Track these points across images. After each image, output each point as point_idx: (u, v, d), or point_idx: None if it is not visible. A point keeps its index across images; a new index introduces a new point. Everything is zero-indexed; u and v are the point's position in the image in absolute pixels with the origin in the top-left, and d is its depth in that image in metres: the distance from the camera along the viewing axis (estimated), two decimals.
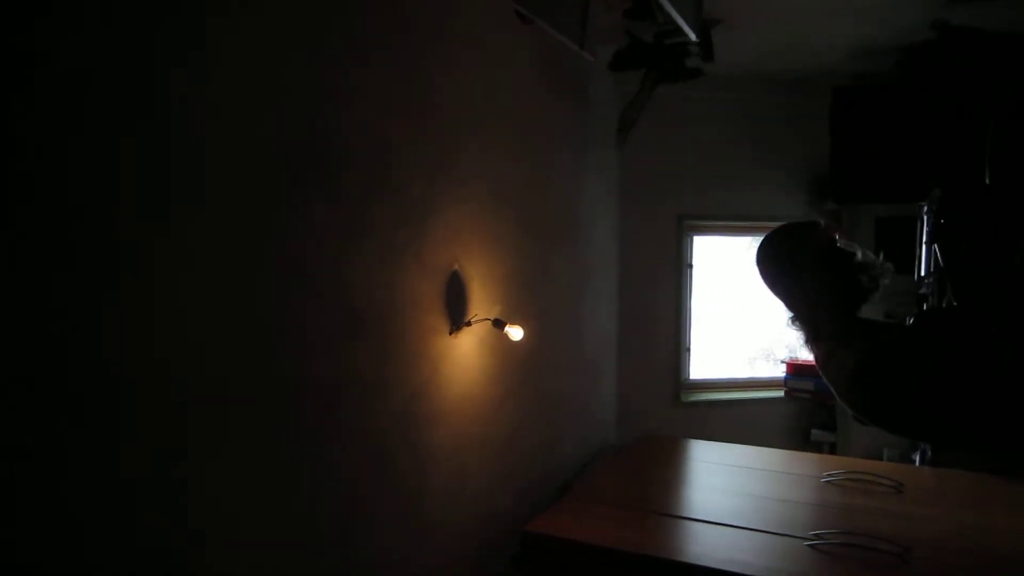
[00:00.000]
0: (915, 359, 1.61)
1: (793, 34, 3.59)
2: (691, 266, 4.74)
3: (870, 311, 1.88)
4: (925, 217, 3.45)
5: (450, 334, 2.25)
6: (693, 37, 3.08)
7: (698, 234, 4.78)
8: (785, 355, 4.78)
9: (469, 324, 2.31)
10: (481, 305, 2.46)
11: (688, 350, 4.75)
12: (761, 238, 1.93)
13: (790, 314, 1.87)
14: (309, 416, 1.68)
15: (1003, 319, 1.58)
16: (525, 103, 2.91)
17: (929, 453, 3.49)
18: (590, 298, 3.81)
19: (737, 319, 4.99)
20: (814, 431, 4.73)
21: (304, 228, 1.65)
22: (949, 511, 2.73)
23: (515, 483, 2.86)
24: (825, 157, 4.15)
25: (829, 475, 3.07)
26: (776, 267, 1.82)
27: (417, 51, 2.10)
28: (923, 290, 3.52)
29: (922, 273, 3.53)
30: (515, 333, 2.47)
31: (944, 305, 1.85)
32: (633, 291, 4.46)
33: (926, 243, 3.38)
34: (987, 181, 2.69)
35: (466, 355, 2.39)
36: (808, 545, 2.36)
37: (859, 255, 1.82)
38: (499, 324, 2.42)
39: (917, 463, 3.68)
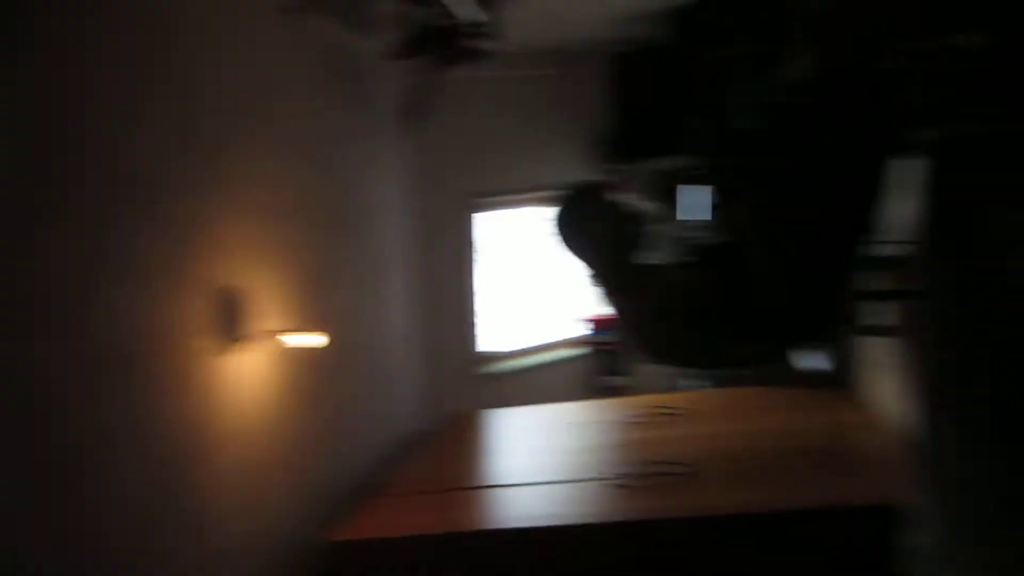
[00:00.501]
0: (687, 291, 1.71)
1: (562, 5, 3.70)
2: (483, 242, 4.82)
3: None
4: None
5: (230, 353, 2.09)
6: (474, 18, 3.09)
7: (493, 209, 4.86)
8: (585, 313, 4.99)
9: (251, 339, 2.17)
10: (264, 317, 2.31)
11: (489, 325, 4.82)
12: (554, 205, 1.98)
13: (588, 272, 1.93)
14: (74, 477, 1.49)
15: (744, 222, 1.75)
16: (302, 99, 2.76)
17: (712, 379, 3.80)
18: (387, 290, 3.74)
19: (535, 288, 5.14)
20: (616, 379, 4.99)
21: (26, 262, 1.43)
22: (725, 424, 2.99)
23: (324, 495, 2.74)
24: (609, 121, 4.36)
25: (631, 416, 3.24)
26: (568, 228, 1.87)
27: (170, 45, 1.91)
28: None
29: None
30: (307, 340, 2.36)
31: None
32: (430, 275, 4.44)
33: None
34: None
35: (253, 372, 2.23)
36: (616, 484, 2.47)
37: (640, 207, 1.92)
38: (287, 334, 2.29)
39: (701, 388, 4.00)
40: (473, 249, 4.71)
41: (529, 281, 5.12)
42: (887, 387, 2.86)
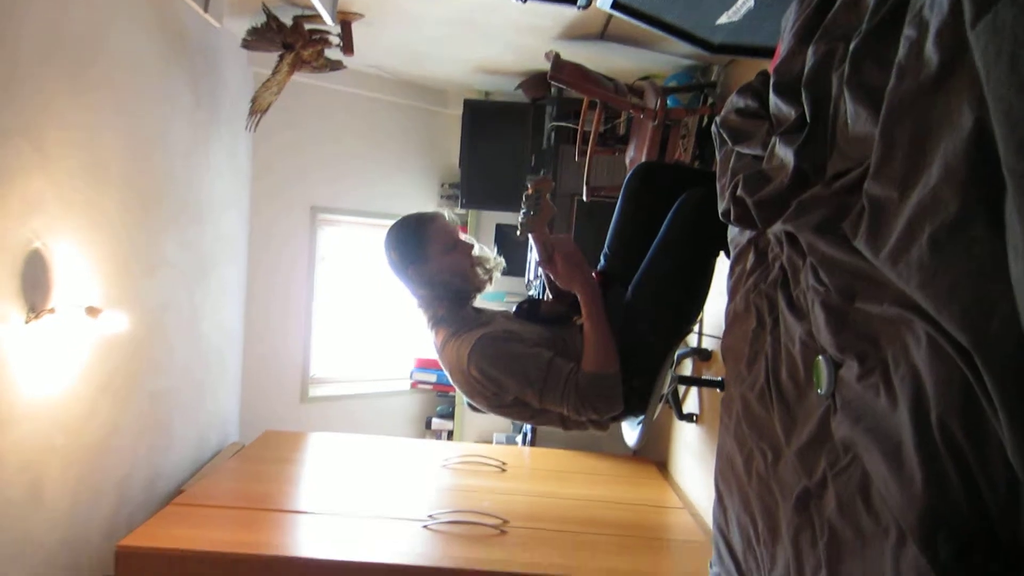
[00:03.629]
0: (518, 340, 1.77)
1: (428, 42, 3.75)
2: (323, 259, 4.70)
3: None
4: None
5: (26, 323, 1.91)
6: (332, 24, 3.05)
7: (331, 227, 4.75)
8: (412, 348, 4.97)
9: (53, 311, 1.98)
10: (73, 289, 2.14)
11: (315, 344, 4.69)
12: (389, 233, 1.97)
13: (415, 300, 1.94)
14: None
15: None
16: (135, 68, 2.58)
17: (529, 436, 3.91)
18: (213, 288, 3.56)
19: (367, 313, 5.06)
20: (435, 420, 5.00)
21: None
22: (542, 484, 3.08)
23: (110, 494, 2.54)
24: (456, 163, 4.41)
25: (445, 460, 3.26)
26: (399, 255, 1.88)
27: None
28: (531, 290, 3.95)
29: (530, 276, 3.96)
30: (115, 322, 2.19)
31: (543, 298, 2.06)
32: (262, 283, 4.27)
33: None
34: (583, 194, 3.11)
35: (47, 348, 2.05)
36: (423, 526, 2.47)
37: (476, 250, 1.96)
38: (94, 311, 2.11)
39: (520, 444, 4.10)
40: (313, 266, 4.58)
41: (365, 308, 5.05)
42: (693, 469, 3.06)
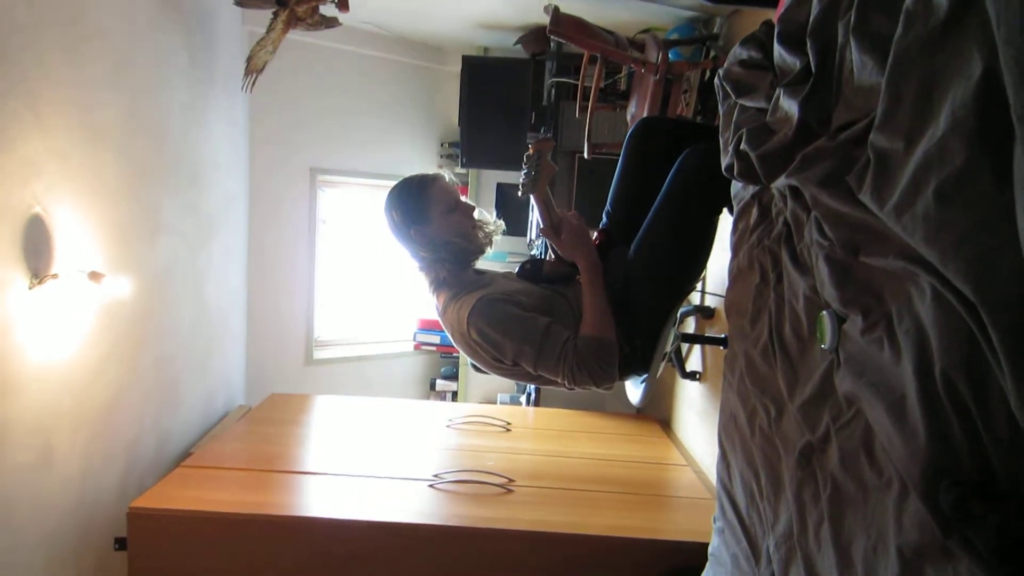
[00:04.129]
0: (516, 304, 1.77)
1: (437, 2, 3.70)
2: (324, 221, 4.68)
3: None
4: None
5: (30, 288, 1.90)
6: None
7: (331, 188, 4.72)
8: (415, 309, 4.98)
9: (56, 276, 1.98)
10: (75, 254, 2.14)
11: (319, 307, 4.70)
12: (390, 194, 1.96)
13: (416, 262, 1.94)
14: None
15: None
16: (127, 28, 2.53)
17: (533, 396, 3.93)
18: (215, 252, 3.55)
19: (369, 275, 5.06)
20: (439, 381, 5.03)
21: None
22: (546, 443, 3.10)
23: (120, 457, 2.57)
24: (455, 122, 4.37)
25: (450, 420, 3.28)
26: (401, 217, 1.86)
27: None
28: (533, 250, 3.93)
29: (532, 236, 3.94)
30: (118, 287, 2.18)
31: (545, 258, 2.05)
32: (263, 246, 4.27)
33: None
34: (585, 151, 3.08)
35: (53, 313, 2.05)
36: (429, 485, 2.50)
37: (477, 213, 1.95)
38: (97, 276, 2.11)
39: (524, 404, 4.13)
40: (315, 228, 4.57)
41: (368, 270, 5.05)
42: (697, 427, 3.09)
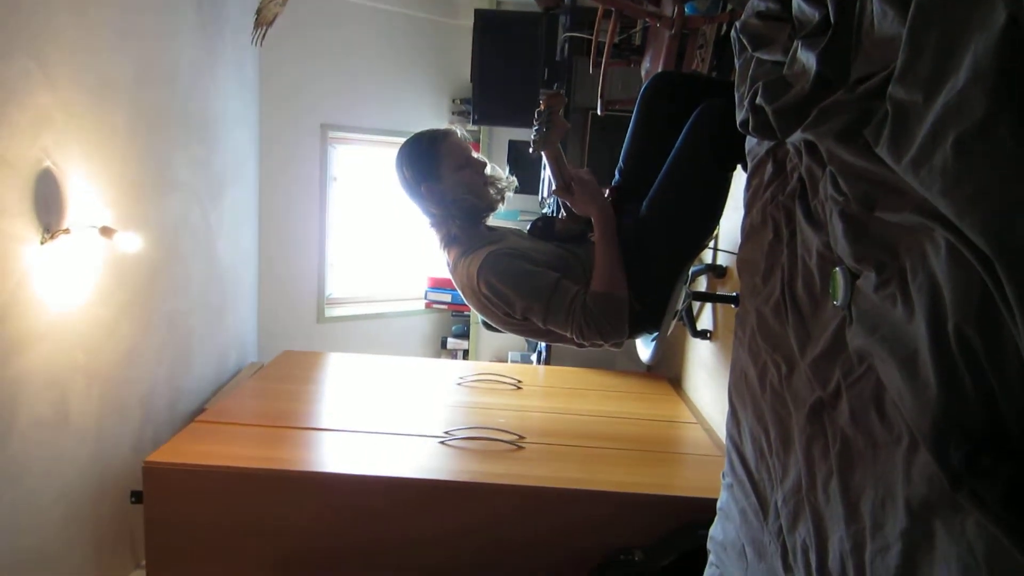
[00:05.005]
0: (526, 259, 1.76)
1: None
2: (335, 178, 4.67)
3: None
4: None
5: (42, 243, 1.92)
6: None
7: (342, 145, 4.70)
8: (427, 268, 4.99)
9: (68, 232, 1.99)
10: (86, 210, 2.14)
11: (330, 265, 4.71)
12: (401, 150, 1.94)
13: (427, 219, 1.93)
14: None
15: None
16: None
17: (544, 354, 3.95)
18: (227, 208, 3.56)
19: (381, 234, 5.06)
20: (450, 339, 5.05)
21: None
22: (556, 401, 3.12)
23: (135, 412, 2.61)
24: (467, 77, 4.32)
25: (461, 378, 3.31)
26: (412, 173, 1.85)
27: None
28: (544, 208, 3.91)
29: (544, 193, 3.92)
30: (129, 243, 2.19)
31: (558, 216, 2.04)
32: (274, 203, 4.27)
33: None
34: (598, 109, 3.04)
35: (65, 269, 2.07)
36: (440, 442, 2.52)
37: (489, 169, 1.93)
38: (109, 232, 2.11)
39: (535, 363, 4.15)
40: (326, 185, 4.56)
41: (379, 228, 5.05)
42: (707, 385, 3.09)
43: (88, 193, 2.17)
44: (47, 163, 1.96)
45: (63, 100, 2.04)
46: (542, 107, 1.73)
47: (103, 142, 2.28)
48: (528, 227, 2.01)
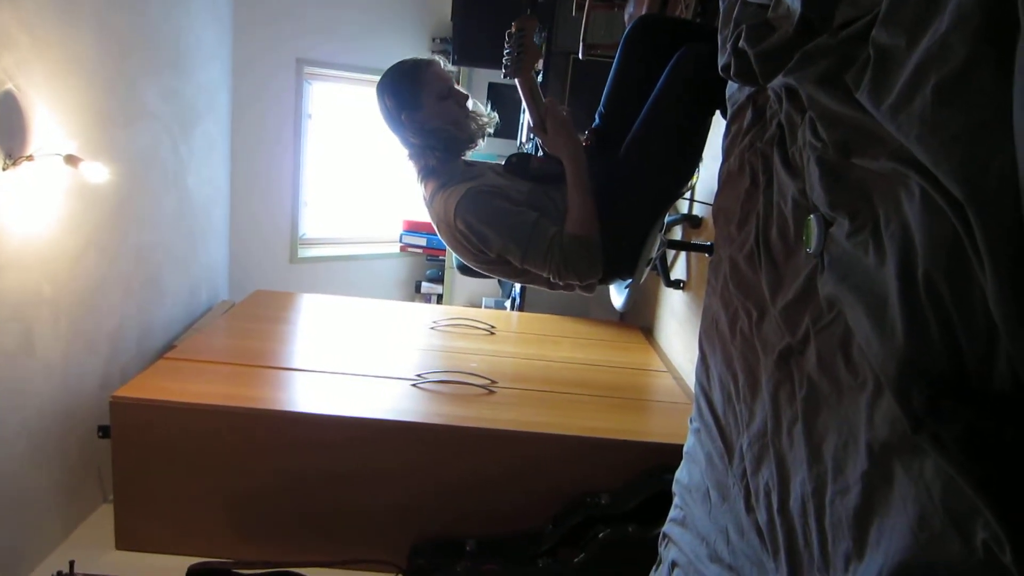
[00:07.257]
0: (504, 197, 1.74)
1: None
2: (310, 116, 4.57)
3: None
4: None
5: (3, 169, 1.86)
6: None
7: (318, 81, 4.59)
8: (402, 211, 4.94)
9: (31, 159, 1.93)
10: (50, 136, 2.08)
11: (304, 205, 4.65)
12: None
13: (406, 149, 1.89)
14: None
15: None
16: None
17: (518, 300, 3.95)
18: (198, 142, 3.47)
19: (356, 175, 4.99)
20: (424, 283, 5.04)
21: None
22: (529, 347, 3.14)
23: (103, 347, 2.57)
24: (448, 15, 4.21)
25: (434, 322, 3.31)
26: (392, 101, 1.81)
27: None
28: (523, 150, 3.88)
29: (523, 138, 3.88)
30: (96, 173, 2.13)
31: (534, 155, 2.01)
32: (247, 139, 4.17)
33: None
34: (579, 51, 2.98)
35: (28, 197, 2.01)
36: (412, 385, 2.53)
37: (470, 103, 1.89)
38: (74, 161, 2.05)
39: (508, 309, 4.16)
40: (300, 123, 4.46)
41: (355, 169, 4.97)
42: (678, 334, 3.13)
43: (53, 119, 2.10)
44: (9, 85, 1.89)
45: (25, 19, 1.95)
46: (513, 30, 1.68)
47: (69, 64, 2.20)
48: (503, 162, 1.98)
